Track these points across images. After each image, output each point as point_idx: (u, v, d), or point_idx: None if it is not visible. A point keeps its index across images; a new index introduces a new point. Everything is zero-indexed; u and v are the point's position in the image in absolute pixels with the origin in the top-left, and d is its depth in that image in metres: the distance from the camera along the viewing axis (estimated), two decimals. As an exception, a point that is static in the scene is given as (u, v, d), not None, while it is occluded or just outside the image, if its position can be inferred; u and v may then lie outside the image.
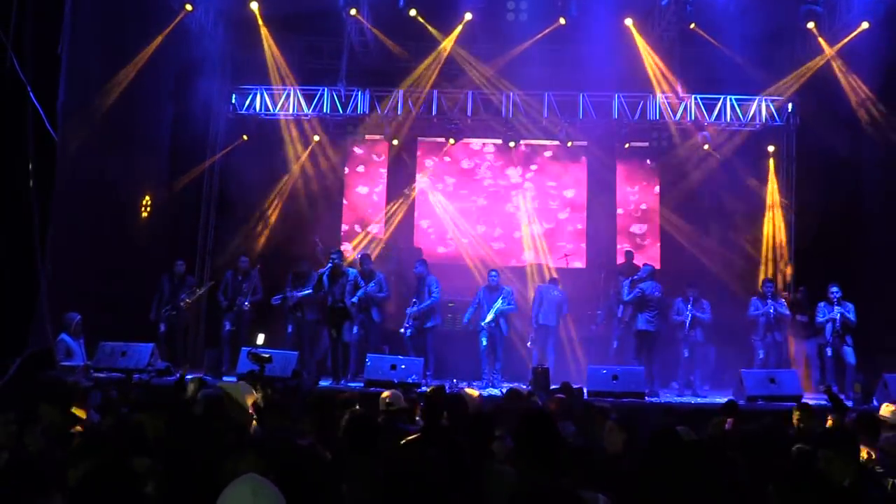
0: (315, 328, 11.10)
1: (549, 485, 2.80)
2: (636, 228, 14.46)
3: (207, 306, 12.34)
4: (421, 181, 14.50)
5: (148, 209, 12.03)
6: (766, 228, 13.11)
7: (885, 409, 6.38)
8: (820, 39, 11.97)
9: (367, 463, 3.66)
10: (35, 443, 4.27)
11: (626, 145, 13.52)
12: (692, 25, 11.75)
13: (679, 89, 12.67)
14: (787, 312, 10.80)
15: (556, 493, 2.57)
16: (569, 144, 13.62)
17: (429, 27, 12.63)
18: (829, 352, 10.30)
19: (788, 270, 12.89)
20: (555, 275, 12.37)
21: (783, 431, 5.52)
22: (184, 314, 11.27)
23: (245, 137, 13.31)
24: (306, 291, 10.77)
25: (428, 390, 6.43)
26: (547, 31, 12.50)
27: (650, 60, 12.71)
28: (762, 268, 12.84)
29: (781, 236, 13.14)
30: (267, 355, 7.72)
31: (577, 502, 2.58)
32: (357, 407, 5.40)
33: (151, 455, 3.59)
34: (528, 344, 11.39)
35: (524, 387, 9.13)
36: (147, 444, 3.68)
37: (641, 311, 10.79)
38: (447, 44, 12.81)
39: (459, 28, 12.66)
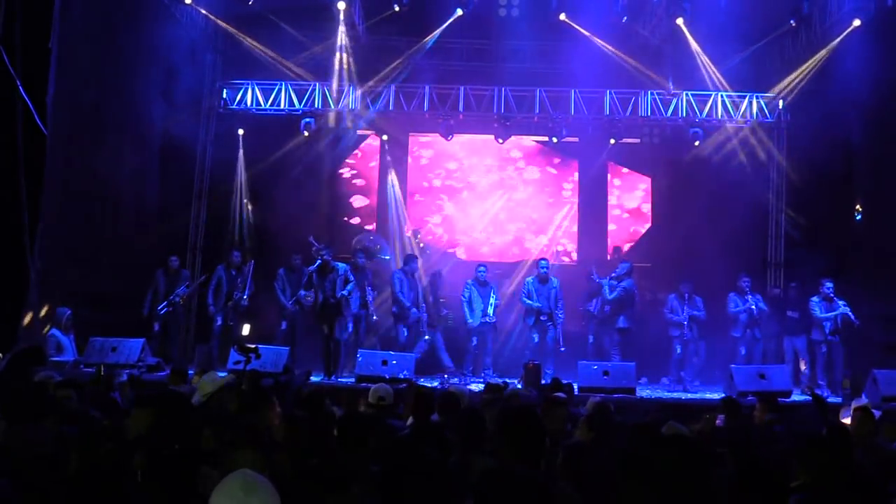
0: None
1: (521, 473, 2.72)
2: (627, 224, 14.49)
3: (198, 302, 12.26)
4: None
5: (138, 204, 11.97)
6: (758, 225, 13.11)
7: None
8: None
9: (361, 461, 3.65)
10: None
11: (612, 141, 13.51)
12: (679, 21, 11.76)
13: (670, 86, 12.70)
14: (766, 307, 10.84)
15: (525, 480, 2.52)
16: (553, 140, 13.60)
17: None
18: (823, 348, 10.30)
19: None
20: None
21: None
22: (181, 310, 11.14)
23: (241, 132, 13.24)
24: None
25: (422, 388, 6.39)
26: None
27: (642, 57, 12.72)
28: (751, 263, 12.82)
29: (773, 232, 13.19)
30: (253, 346, 7.67)
31: (544, 491, 2.53)
32: None
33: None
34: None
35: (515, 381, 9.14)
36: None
37: (623, 309, 10.82)
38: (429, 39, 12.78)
39: (448, 23, 12.60)
